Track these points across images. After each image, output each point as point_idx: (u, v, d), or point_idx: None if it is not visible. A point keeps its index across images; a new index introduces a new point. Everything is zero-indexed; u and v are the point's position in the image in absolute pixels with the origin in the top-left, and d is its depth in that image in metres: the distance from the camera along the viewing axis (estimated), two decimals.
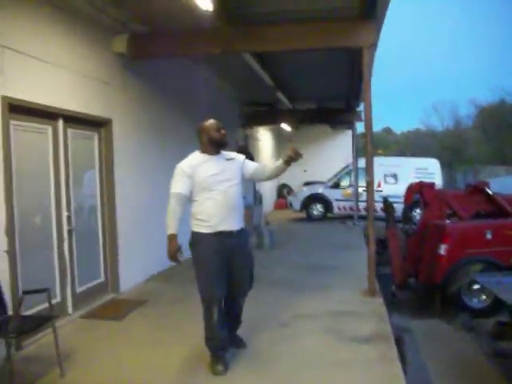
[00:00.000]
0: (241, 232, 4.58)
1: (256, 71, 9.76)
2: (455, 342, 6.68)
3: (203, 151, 4.60)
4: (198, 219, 4.47)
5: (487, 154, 36.31)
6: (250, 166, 4.79)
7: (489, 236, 7.76)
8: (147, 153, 8.14)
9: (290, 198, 19.20)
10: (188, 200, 4.49)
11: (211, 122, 4.63)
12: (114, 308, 6.54)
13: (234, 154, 4.79)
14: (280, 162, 4.69)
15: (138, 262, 7.66)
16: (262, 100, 15.15)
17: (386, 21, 7.12)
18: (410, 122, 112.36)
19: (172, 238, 4.35)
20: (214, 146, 4.58)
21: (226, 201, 4.43)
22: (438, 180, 15.56)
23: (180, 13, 6.51)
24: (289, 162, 4.59)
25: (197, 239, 4.48)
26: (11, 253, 4.93)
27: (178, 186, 4.44)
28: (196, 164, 4.47)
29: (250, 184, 13.55)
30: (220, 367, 4.41)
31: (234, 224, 4.50)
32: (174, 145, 9.04)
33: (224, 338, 4.54)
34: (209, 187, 4.41)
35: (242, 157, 4.81)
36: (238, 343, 4.92)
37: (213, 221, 4.40)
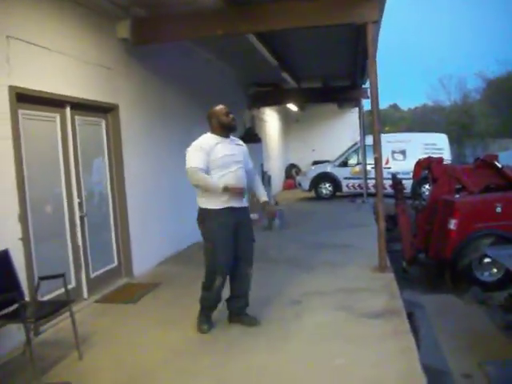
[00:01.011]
0: (246, 208, 5.00)
1: (260, 51, 9.71)
2: (467, 316, 6.71)
3: (214, 133, 4.89)
4: (208, 195, 4.75)
5: (496, 128, 35.95)
6: (249, 163, 5.15)
7: (499, 209, 7.76)
8: (154, 137, 8.18)
9: (298, 178, 19.21)
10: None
11: (220, 107, 4.89)
12: (128, 292, 6.63)
13: (240, 141, 5.17)
14: (261, 199, 5.21)
15: (150, 246, 7.74)
16: (268, 80, 15.07)
17: None
18: (417, 97, 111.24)
19: (227, 186, 4.67)
20: (224, 130, 4.87)
21: (237, 180, 4.79)
22: (446, 155, 15.47)
23: None
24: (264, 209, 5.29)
25: (205, 215, 4.81)
26: (25, 240, 5.01)
27: (197, 161, 4.67)
28: (212, 143, 4.76)
29: (258, 166, 13.61)
30: (205, 326, 4.97)
31: (241, 201, 4.90)
32: (180, 128, 9.07)
33: (218, 300, 5.03)
34: (223, 166, 4.72)
35: (246, 148, 5.18)
36: (250, 321, 5.05)
37: (224, 197, 4.71)
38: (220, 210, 4.73)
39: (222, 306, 5.20)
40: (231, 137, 4.99)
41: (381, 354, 4.26)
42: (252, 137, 14.03)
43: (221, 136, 4.84)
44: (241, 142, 5.13)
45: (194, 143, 4.81)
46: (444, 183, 8.70)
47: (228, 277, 4.98)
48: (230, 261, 4.85)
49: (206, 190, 4.73)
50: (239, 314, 5.08)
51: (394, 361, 4.13)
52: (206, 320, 5.01)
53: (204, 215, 4.83)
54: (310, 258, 7.93)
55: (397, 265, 8.26)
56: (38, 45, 5.36)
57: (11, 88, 4.91)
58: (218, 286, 4.87)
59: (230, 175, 4.75)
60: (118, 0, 6.70)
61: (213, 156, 4.69)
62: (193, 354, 4.56)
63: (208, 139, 4.82)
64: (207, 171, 4.69)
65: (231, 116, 4.87)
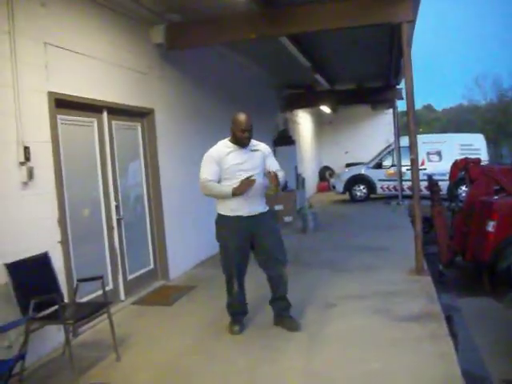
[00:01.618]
0: (261, 214, 4.90)
1: (293, 54, 9.69)
2: (506, 320, 6.57)
3: (231, 140, 4.89)
4: (221, 202, 4.87)
5: None
6: (271, 166, 4.97)
7: None
8: (189, 141, 8.24)
9: (332, 181, 19.12)
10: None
11: (242, 119, 4.79)
12: (164, 294, 6.69)
13: (260, 145, 5.03)
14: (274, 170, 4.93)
15: (186, 249, 7.80)
16: (300, 83, 15.04)
17: None
18: (452, 98, 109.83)
19: (236, 188, 4.67)
20: (237, 142, 4.84)
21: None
22: (483, 156, 15.18)
23: (215, 0, 6.54)
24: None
25: (219, 220, 4.95)
26: (64, 242, 5.11)
27: (208, 172, 4.79)
28: (223, 152, 4.80)
29: (292, 168, 13.59)
30: (236, 327, 5.02)
31: (252, 209, 4.83)
32: (214, 132, 9.04)
33: (242, 304, 5.10)
34: (231, 175, 4.74)
35: (267, 149, 5.09)
36: (290, 325, 5.00)
37: (233, 205, 4.77)
38: (230, 217, 4.82)
39: (251, 309, 5.20)
40: (252, 142, 4.92)
41: (418, 359, 4.20)
42: (286, 139, 14.04)
43: (235, 144, 4.85)
44: (258, 147, 4.99)
45: (207, 153, 4.90)
46: (482, 184, 8.55)
47: (267, 279, 5.04)
48: (243, 265, 4.95)
49: (220, 197, 4.85)
50: (282, 315, 5.07)
51: (432, 365, 4.06)
52: (236, 322, 5.08)
53: (217, 220, 4.98)
54: (345, 261, 7.87)
55: (433, 268, 8.14)
56: (75, 51, 5.47)
57: (50, 94, 5.02)
58: (235, 291, 4.96)
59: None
60: (152, 6, 6.78)
61: (223, 165, 4.76)
62: (227, 357, 4.57)
63: (221, 147, 4.86)
64: (217, 182, 4.80)
65: (246, 135, 4.77)
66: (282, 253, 5.00)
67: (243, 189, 4.67)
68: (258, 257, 4.98)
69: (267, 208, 5.03)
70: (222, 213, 4.88)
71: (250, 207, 4.80)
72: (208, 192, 4.84)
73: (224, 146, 4.87)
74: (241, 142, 4.80)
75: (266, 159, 4.98)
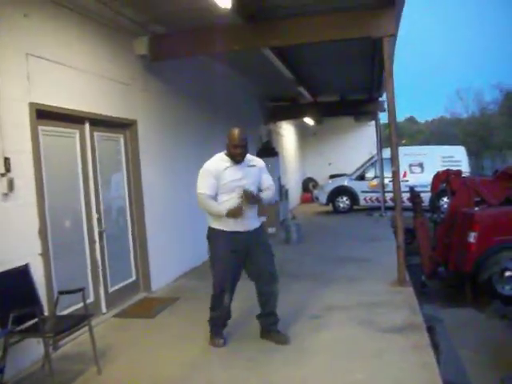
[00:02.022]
0: (255, 230, 4.91)
1: (276, 66, 9.75)
2: (488, 330, 6.63)
3: (227, 154, 4.84)
4: (216, 217, 4.81)
5: None
6: (265, 180, 5.02)
7: None
8: (172, 152, 8.23)
9: (315, 192, 19.18)
10: (213, 199, 4.79)
11: (234, 135, 4.74)
12: (147, 306, 6.64)
13: (256, 160, 5.04)
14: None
15: (168, 261, 7.76)
16: (284, 95, 15.13)
17: (405, 11, 7.07)
18: (434, 110, 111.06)
19: (229, 211, 4.68)
20: (231, 158, 4.81)
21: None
22: (465, 167, 15.37)
23: (199, 11, 6.55)
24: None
25: (212, 234, 4.89)
26: (45, 255, 5.05)
27: (205, 186, 4.76)
28: (221, 167, 4.75)
29: (275, 180, 13.62)
30: (221, 340, 5.00)
31: (248, 225, 4.83)
32: (198, 143, 9.12)
33: (227, 317, 5.07)
34: (229, 190, 4.73)
35: (262, 164, 5.06)
36: (278, 338, 4.98)
37: (230, 221, 4.73)
38: (224, 231, 4.80)
39: (234, 322, 5.18)
40: (246, 158, 4.88)
41: (401, 369, 4.21)
42: (269, 151, 14.07)
43: (231, 160, 4.81)
44: (254, 163, 4.99)
45: (205, 165, 4.85)
46: (463, 196, 8.63)
47: (256, 294, 5.04)
48: (236, 281, 4.94)
49: (212, 215, 4.84)
50: (270, 330, 5.04)
51: (415, 375, 4.08)
52: (218, 335, 5.05)
53: (210, 234, 4.93)
54: (329, 272, 7.88)
55: (416, 278, 8.18)
56: (58, 62, 5.44)
57: (31, 105, 4.99)
58: (226, 303, 4.94)
59: (235, 200, 4.73)
60: (136, 17, 6.79)
61: (221, 181, 4.73)
62: (211, 369, 4.55)
63: (218, 162, 4.82)
64: (213, 197, 4.77)
65: (238, 151, 4.72)
66: (273, 269, 4.99)
67: (237, 215, 4.68)
68: (251, 272, 4.96)
69: (260, 222, 5.07)
70: (217, 227, 4.83)
71: (247, 223, 4.81)
72: (204, 207, 4.84)
73: (221, 160, 4.84)
74: (234, 158, 4.76)
75: (262, 175, 4.99)
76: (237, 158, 4.76)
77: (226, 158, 4.81)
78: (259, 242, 4.92)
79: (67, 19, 5.69)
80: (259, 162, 5.07)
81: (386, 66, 6.73)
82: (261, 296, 5.00)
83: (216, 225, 4.84)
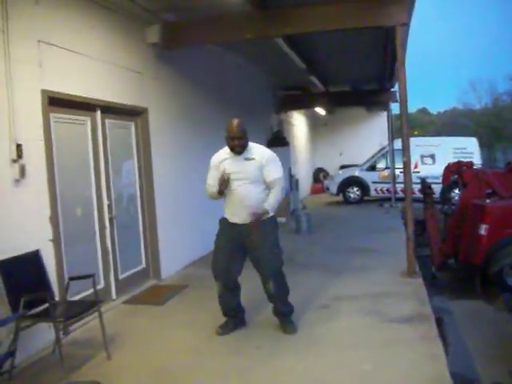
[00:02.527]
0: (255, 224, 4.79)
1: (288, 55, 9.72)
2: (497, 322, 6.59)
3: (228, 148, 4.90)
4: (225, 206, 5.03)
5: None
6: (268, 173, 4.84)
7: None
8: (182, 140, 8.24)
9: (326, 182, 19.14)
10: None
11: (231, 127, 4.72)
12: (156, 293, 6.69)
13: (257, 152, 4.86)
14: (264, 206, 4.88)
15: (178, 249, 7.80)
16: (296, 84, 15.07)
17: (418, 0, 7.01)
18: (447, 101, 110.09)
19: (218, 188, 4.83)
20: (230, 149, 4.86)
21: (235, 199, 4.84)
22: (476, 159, 15.25)
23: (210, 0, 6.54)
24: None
25: (220, 221, 5.07)
26: (56, 241, 5.09)
27: (208, 176, 5.01)
28: (220, 159, 4.91)
29: (285, 170, 13.60)
30: (220, 329, 5.05)
31: (244, 218, 4.81)
32: (208, 131, 9.12)
33: (229, 308, 5.10)
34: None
35: (264, 157, 4.84)
36: (285, 328, 4.99)
37: (230, 212, 4.93)
38: (227, 221, 4.94)
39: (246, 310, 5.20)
40: (248, 149, 4.83)
41: (409, 360, 4.22)
42: (280, 140, 14.04)
43: (233, 152, 4.83)
44: (254, 155, 4.81)
45: (212, 158, 5.06)
46: (474, 188, 8.56)
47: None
48: (230, 270, 4.92)
49: (214, 197, 5.03)
50: (279, 319, 5.09)
51: (422, 367, 4.08)
52: (223, 323, 5.11)
53: (219, 221, 5.09)
54: (338, 263, 7.88)
55: (426, 270, 8.16)
56: (70, 49, 5.46)
57: (43, 92, 5.01)
58: (219, 292, 5.02)
59: (231, 193, 4.84)
60: (148, 5, 6.77)
61: (219, 173, 4.84)
62: (219, 356, 4.57)
63: (220, 154, 4.96)
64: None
65: (235, 143, 4.72)
66: (272, 266, 4.87)
67: (221, 184, 4.77)
68: (254, 266, 4.99)
69: (263, 217, 4.85)
70: (224, 215, 5.00)
71: (239, 216, 4.84)
72: (207, 194, 5.06)
73: (223, 152, 4.93)
74: (233, 150, 4.80)
75: (262, 168, 4.78)
76: (234, 150, 4.78)
77: (228, 151, 4.87)
78: (258, 235, 4.78)
79: (79, 6, 5.69)
80: (262, 153, 4.87)
81: (398, 55, 6.68)
82: (264, 288, 5.02)
83: (225, 213, 5.00)
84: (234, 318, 5.14)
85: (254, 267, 4.96)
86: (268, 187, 4.87)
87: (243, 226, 4.82)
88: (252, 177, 4.79)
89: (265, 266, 4.86)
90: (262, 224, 4.81)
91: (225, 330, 5.04)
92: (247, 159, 4.81)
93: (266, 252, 4.84)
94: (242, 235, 4.83)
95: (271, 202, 4.86)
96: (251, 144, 4.89)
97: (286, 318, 5.05)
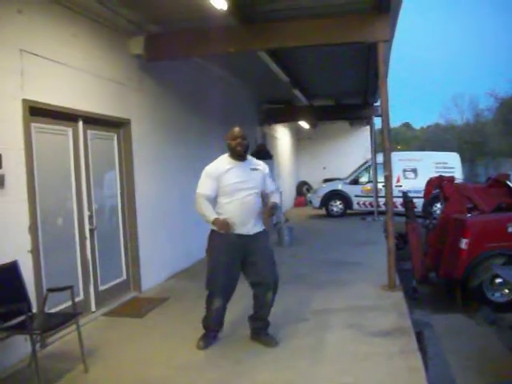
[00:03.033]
0: (258, 234, 4.83)
1: (272, 69, 9.77)
2: (477, 336, 6.63)
3: (230, 156, 4.83)
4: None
5: (508, 147, 35.71)
6: (269, 186, 4.99)
7: (510, 229, 7.66)
8: (165, 152, 8.22)
9: (309, 196, 19.18)
10: (213, 200, 4.78)
11: (233, 129, 4.83)
12: (136, 306, 6.62)
13: (259, 164, 4.99)
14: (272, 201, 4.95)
15: (159, 261, 7.74)
16: (279, 98, 15.14)
17: (402, 16, 7.11)
18: (430, 116, 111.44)
19: (216, 220, 4.64)
20: (232, 153, 4.79)
21: (243, 208, 4.70)
22: (458, 174, 15.41)
23: (195, 12, 6.57)
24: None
25: (211, 235, 4.84)
26: (35, 252, 5.03)
27: (204, 187, 4.74)
28: (223, 169, 4.72)
29: None
30: (201, 343, 4.94)
31: (249, 228, 4.76)
32: (191, 144, 9.12)
33: (219, 322, 5.03)
34: (230, 193, 4.69)
35: (266, 169, 5.01)
36: (268, 341, 4.95)
37: (230, 221, 4.66)
38: (225, 234, 4.70)
39: (226, 323, 5.17)
40: (248, 159, 4.92)
41: (388, 373, 4.22)
42: (263, 153, 14.05)
43: (235, 160, 4.79)
44: (258, 166, 4.96)
45: (207, 168, 4.84)
46: (455, 202, 8.64)
47: (252, 296, 4.99)
48: (231, 285, 4.86)
49: (201, 216, 4.79)
50: (259, 333, 5.01)
51: (401, 380, 4.08)
52: (205, 337, 5.02)
53: (211, 234, 4.88)
54: (319, 276, 7.89)
55: (407, 283, 8.19)
56: (52, 59, 5.44)
57: (24, 101, 4.98)
58: (216, 307, 4.89)
59: (236, 203, 4.70)
60: (131, 17, 6.78)
61: (222, 182, 4.70)
62: (199, 370, 4.53)
63: (220, 164, 4.80)
64: (212, 198, 4.76)
65: (238, 141, 4.74)
66: (273, 276, 4.91)
67: (220, 228, 4.64)
68: (250, 277, 4.90)
69: (263, 227, 4.94)
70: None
71: (245, 226, 4.74)
72: (197, 207, 4.78)
73: (224, 162, 4.82)
74: (235, 151, 4.75)
75: (265, 180, 4.94)
76: (238, 151, 4.73)
77: (229, 160, 4.80)
78: (259, 247, 4.83)
79: (63, 17, 5.68)
80: (263, 166, 5.02)
81: (380, 70, 6.75)
82: (256, 300, 4.95)
83: None
84: (217, 331, 5.12)
85: (251, 279, 4.88)
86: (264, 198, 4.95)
87: (249, 236, 4.75)
88: (259, 186, 4.84)
89: (268, 276, 4.83)
90: (262, 235, 4.88)
91: (206, 343, 4.98)
92: (254, 169, 4.87)
93: (269, 261, 4.88)
94: (246, 246, 4.75)
95: (277, 198, 5.04)
96: (249, 157, 4.97)
97: (266, 330, 5.04)
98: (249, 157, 4.95)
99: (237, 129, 4.82)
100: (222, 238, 4.73)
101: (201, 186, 4.77)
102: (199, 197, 4.74)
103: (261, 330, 5.02)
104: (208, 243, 4.92)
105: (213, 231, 4.83)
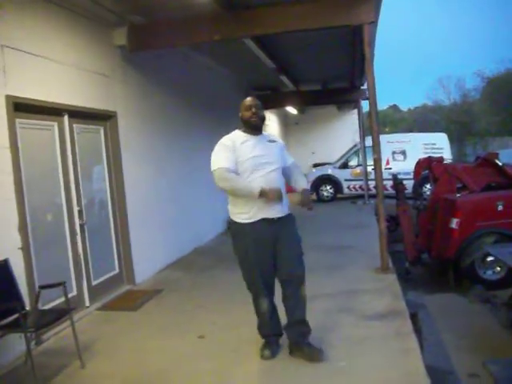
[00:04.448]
0: (286, 217, 4.21)
1: (258, 55, 9.72)
2: (471, 314, 6.70)
3: (244, 130, 4.22)
4: (235, 206, 4.15)
5: (496, 126, 35.94)
6: (287, 160, 4.42)
7: (500, 207, 7.75)
8: (153, 143, 8.17)
9: None
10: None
11: (247, 99, 4.25)
12: (130, 299, 6.61)
13: (276, 137, 4.52)
14: (299, 188, 4.40)
15: (151, 253, 7.73)
16: (267, 84, 15.07)
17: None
18: (417, 98, 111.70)
19: (264, 190, 3.94)
20: (248, 127, 4.19)
21: (269, 185, 4.01)
22: (447, 154, 15.50)
23: (178, 1, 6.50)
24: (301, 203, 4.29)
25: (236, 230, 4.18)
26: (25, 249, 5.00)
27: (223, 160, 3.99)
28: (238, 141, 4.09)
29: None
30: (266, 352, 4.32)
31: (276, 211, 4.09)
32: (179, 134, 9.07)
33: (275, 325, 4.39)
34: (250, 170, 4.02)
35: (282, 142, 4.50)
36: (312, 354, 4.23)
37: (253, 209, 4.04)
38: (251, 223, 4.06)
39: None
40: (264, 133, 4.33)
41: (384, 356, 4.24)
42: None
43: (248, 133, 4.17)
44: (275, 138, 4.44)
45: (220, 141, 4.15)
46: (445, 182, 8.69)
47: (282, 299, 4.33)
48: (272, 279, 4.26)
49: (237, 194, 4.07)
50: (300, 343, 4.27)
51: (397, 362, 4.11)
52: (265, 346, 4.39)
53: (233, 229, 4.23)
54: (312, 260, 7.77)
55: (400, 265, 8.24)
56: (34, 54, 5.36)
57: (8, 97, 4.91)
58: (264, 310, 4.29)
59: (260, 180, 4.01)
60: (114, 7, 6.69)
61: (239, 157, 4.02)
62: (194, 360, 4.54)
63: (234, 137, 4.15)
64: (236, 173, 4.03)
65: (253, 110, 4.13)
66: (303, 268, 4.27)
67: (273, 197, 3.98)
68: (278, 269, 4.21)
69: (289, 211, 4.29)
70: (241, 221, 4.11)
71: (275, 207, 4.06)
72: (227, 184, 3.98)
73: (237, 135, 4.18)
74: (250, 123, 4.13)
75: (283, 153, 4.36)
76: (252, 121, 4.13)
77: (242, 133, 4.18)
78: (289, 233, 4.21)
79: (44, 10, 5.60)
80: (279, 139, 4.51)
81: (365, 53, 6.72)
82: (288, 300, 4.28)
83: (237, 217, 4.15)
84: (279, 335, 4.46)
85: (279, 272, 4.21)
86: (286, 173, 4.37)
87: (276, 221, 4.09)
88: (279, 161, 4.22)
89: (298, 268, 4.22)
90: (291, 219, 4.29)
91: (271, 351, 4.35)
92: (271, 141, 4.29)
93: (299, 251, 4.27)
94: (275, 233, 4.10)
95: (304, 181, 4.47)
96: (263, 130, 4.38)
97: (307, 339, 4.34)
98: (264, 131, 4.37)
99: (249, 98, 4.25)
100: (246, 235, 4.08)
101: (218, 161, 4.00)
102: (222, 172, 3.95)
103: (302, 337, 4.29)
104: (232, 239, 4.27)
105: (237, 228, 4.15)
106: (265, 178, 4.04)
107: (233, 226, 4.21)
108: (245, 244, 4.11)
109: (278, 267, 4.19)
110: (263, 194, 3.93)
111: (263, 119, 4.25)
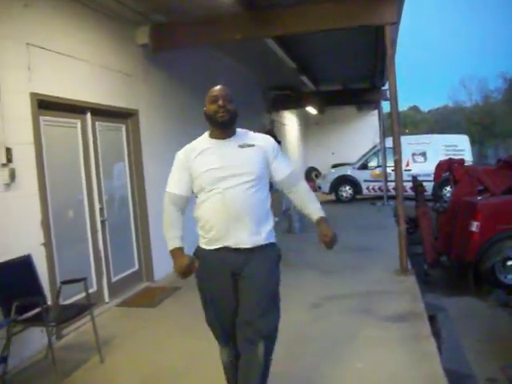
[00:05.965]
0: (257, 249, 3.02)
1: (279, 55, 9.72)
2: (490, 318, 6.62)
3: (210, 134, 3.25)
4: (198, 229, 3.20)
5: None
6: (278, 168, 3.19)
7: None
8: (173, 142, 8.11)
9: (318, 181, 19.15)
10: (188, 201, 3.23)
11: (213, 89, 3.28)
12: (149, 295, 6.67)
13: (258, 139, 3.19)
14: (312, 217, 3.43)
15: None
16: (287, 84, 15.08)
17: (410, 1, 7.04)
18: (438, 99, 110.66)
19: (175, 253, 3.10)
20: (214, 126, 3.19)
21: (225, 205, 2.96)
22: (468, 156, 15.35)
23: (200, 0, 6.53)
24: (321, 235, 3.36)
25: (196, 254, 3.18)
26: (47, 245, 5.07)
27: (172, 183, 3.22)
28: (196, 152, 3.16)
29: None
30: None
31: (241, 239, 2.98)
32: (199, 133, 9.04)
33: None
34: (205, 186, 3.03)
35: (270, 145, 3.20)
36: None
37: (210, 233, 3.05)
38: (208, 250, 3.08)
39: None
40: (241, 133, 3.20)
41: (401, 358, 4.23)
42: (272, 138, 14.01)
43: (214, 137, 3.18)
44: (256, 141, 3.15)
45: (177, 153, 3.36)
46: (465, 185, 8.60)
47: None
48: (230, 326, 3.14)
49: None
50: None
51: (415, 365, 4.09)
52: None
53: (196, 254, 3.19)
54: (331, 261, 7.88)
55: (419, 268, 8.18)
56: (59, 52, 5.43)
57: (33, 95, 4.98)
58: (224, 361, 3.36)
59: (214, 199, 2.99)
60: (137, 6, 6.75)
61: (194, 171, 3.09)
62: (212, 359, 4.55)
63: (194, 145, 3.26)
64: (186, 198, 3.21)
65: (220, 103, 3.10)
66: (270, 320, 3.08)
67: (176, 269, 3.06)
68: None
69: (270, 240, 3.12)
70: (201, 245, 3.15)
71: (232, 236, 2.98)
72: (163, 216, 3.26)
73: (200, 141, 3.25)
74: (215, 119, 3.11)
75: (270, 161, 3.14)
76: (217, 118, 3.09)
77: (206, 138, 3.23)
78: (258, 269, 3.02)
79: (68, 9, 5.67)
80: (265, 141, 3.19)
81: (388, 53, 6.70)
82: (241, 361, 3.11)
83: (200, 240, 3.18)
84: None
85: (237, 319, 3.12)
86: (282, 188, 3.29)
87: (239, 252, 2.98)
88: (253, 171, 3.00)
89: (262, 317, 3.00)
90: (265, 251, 3.08)
91: None
92: (243, 146, 3.07)
93: (269, 295, 3.10)
94: (235, 268, 3.01)
95: (318, 204, 3.39)
96: (243, 130, 3.24)
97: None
98: (241, 130, 3.22)
99: (217, 87, 3.24)
100: (206, 259, 3.09)
101: (168, 182, 3.24)
102: (166, 200, 3.21)
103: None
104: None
105: (196, 251, 3.19)
106: (222, 194, 2.97)
107: (196, 251, 3.21)
108: (200, 273, 3.11)
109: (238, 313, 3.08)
110: (172, 257, 3.10)
111: (234, 115, 3.14)
